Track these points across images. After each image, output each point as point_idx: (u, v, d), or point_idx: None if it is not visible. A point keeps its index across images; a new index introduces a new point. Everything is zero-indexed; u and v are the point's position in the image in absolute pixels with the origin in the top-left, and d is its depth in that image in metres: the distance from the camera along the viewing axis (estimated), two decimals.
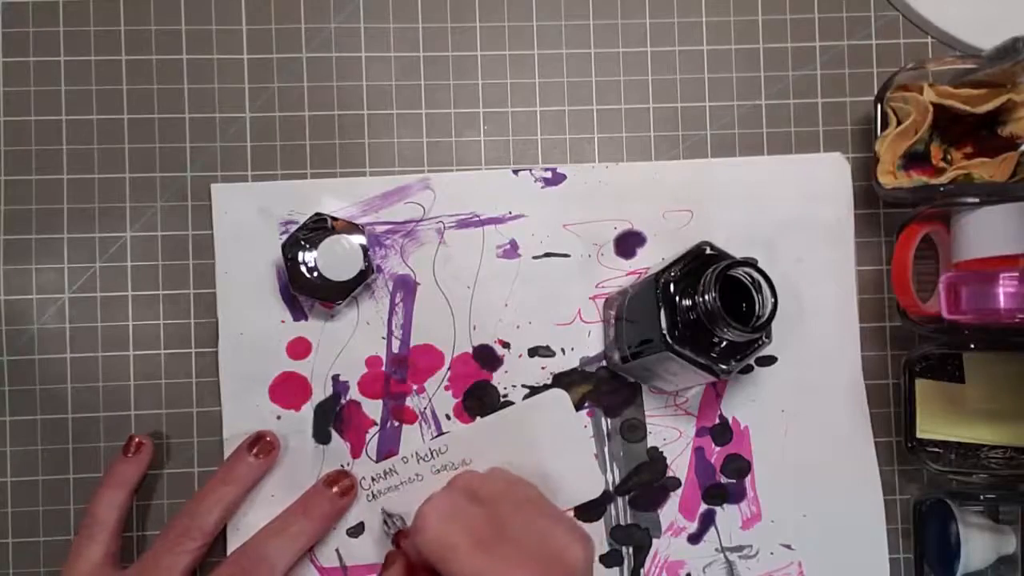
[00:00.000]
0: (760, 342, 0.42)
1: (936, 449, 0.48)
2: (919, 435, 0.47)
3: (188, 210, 0.48)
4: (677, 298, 0.41)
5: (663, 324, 0.41)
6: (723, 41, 0.50)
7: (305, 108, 0.49)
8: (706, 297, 0.39)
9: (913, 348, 0.49)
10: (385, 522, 0.47)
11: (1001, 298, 0.42)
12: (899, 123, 0.47)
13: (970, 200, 0.45)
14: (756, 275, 0.40)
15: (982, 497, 0.47)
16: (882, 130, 0.47)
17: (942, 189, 0.46)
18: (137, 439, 0.46)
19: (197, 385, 0.48)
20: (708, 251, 0.42)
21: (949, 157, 0.48)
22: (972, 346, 0.46)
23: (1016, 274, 0.42)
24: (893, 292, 0.48)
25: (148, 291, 0.48)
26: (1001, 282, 0.42)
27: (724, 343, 0.41)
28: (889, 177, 0.47)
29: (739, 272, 0.40)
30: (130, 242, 0.48)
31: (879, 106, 0.47)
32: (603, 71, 0.50)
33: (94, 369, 0.48)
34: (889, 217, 0.50)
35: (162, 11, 0.48)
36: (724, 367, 0.41)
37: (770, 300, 0.39)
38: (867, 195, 0.50)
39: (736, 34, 0.50)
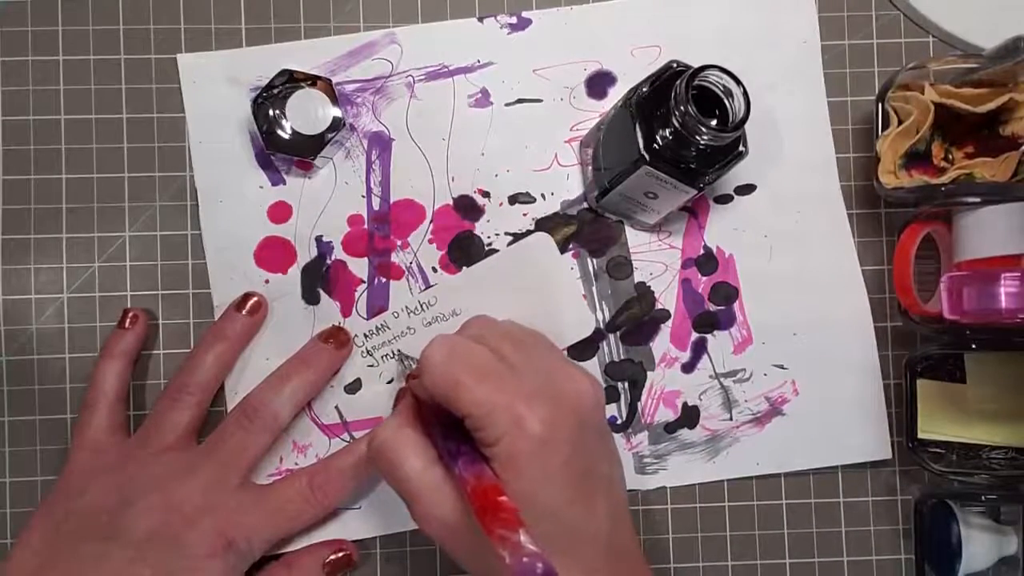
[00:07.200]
0: (737, 151, 0.42)
1: (937, 450, 0.48)
2: (920, 435, 0.47)
3: (187, 209, 0.48)
4: (650, 113, 0.41)
5: (640, 140, 0.41)
6: None
7: None
8: (680, 107, 0.39)
9: (914, 348, 0.49)
10: (401, 361, 0.47)
11: (1003, 298, 0.42)
12: (900, 122, 0.46)
13: (972, 200, 0.44)
14: (726, 78, 0.40)
15: (983, 498, 0.47)
16: (883, 129, 0.47)
17: (943, 189, 0.46)
18: (132, 312, 0.46)
19: None
20: (676, 67, 0.42)
21: (950, 157, 0.48)
22: (973, 346, 0.46)
23: (1018, 274, 0.42)
24: (894, 292, 0.48)
25: (147, 291, 0.48)
26: (1003, 282, 0.42)
27: (702, 155, 0.41)
28: (890, 177, 0.47)
29: (710, 78, 0.40)
30: (129, 242, 0.48)
31: (880, 105, 0.47)
32: None
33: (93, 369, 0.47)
34: (890, 217, 0.50)
35: (160, 10, 0.48)
36: (705, 176, 0.41)
37: (742, 100, 0.40)
38: (868, 195, 0.50)
39: None
